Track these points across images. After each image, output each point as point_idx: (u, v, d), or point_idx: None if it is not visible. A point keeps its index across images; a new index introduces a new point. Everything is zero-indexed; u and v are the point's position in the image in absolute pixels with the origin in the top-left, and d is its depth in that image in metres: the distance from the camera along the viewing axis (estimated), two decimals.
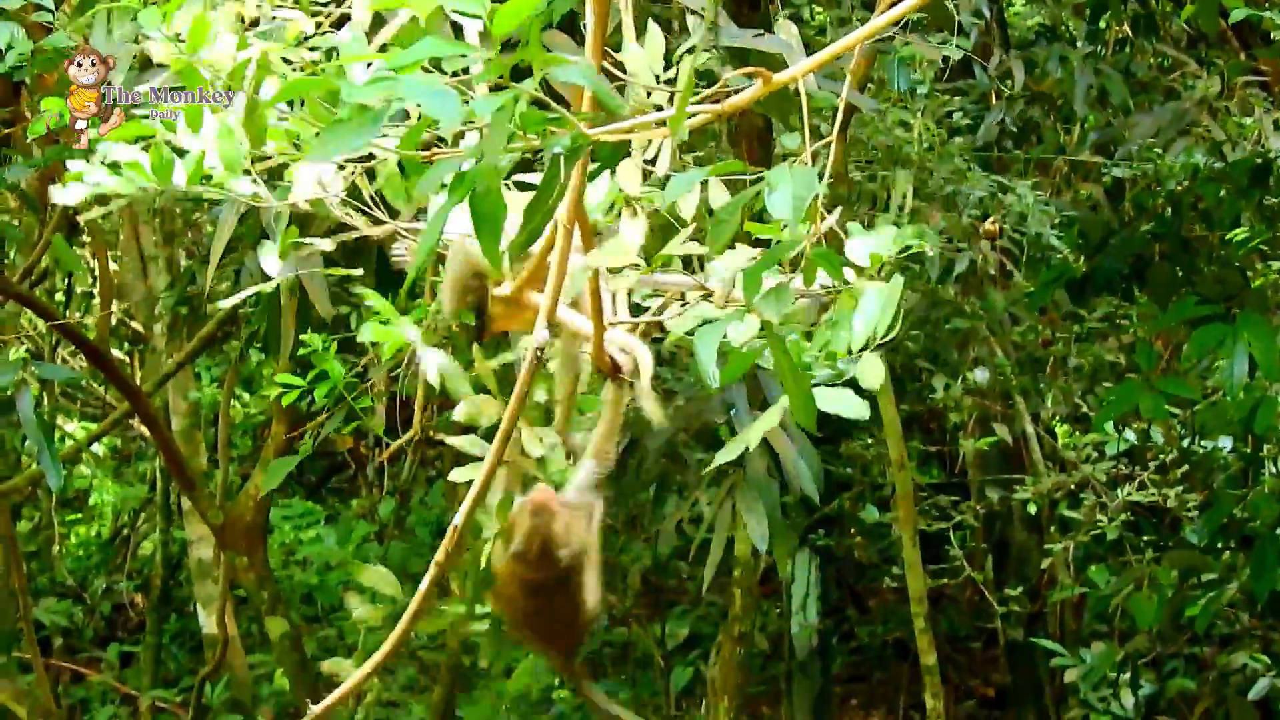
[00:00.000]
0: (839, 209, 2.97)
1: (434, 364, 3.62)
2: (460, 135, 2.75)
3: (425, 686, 10.68)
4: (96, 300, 10.10)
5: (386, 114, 2.26)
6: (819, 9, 8.05)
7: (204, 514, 8.75)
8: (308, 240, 3.56)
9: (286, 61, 2.89)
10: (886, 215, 6.97)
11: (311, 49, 2.94)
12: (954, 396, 8.40)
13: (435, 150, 2.61)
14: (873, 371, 2.72)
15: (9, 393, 5.89)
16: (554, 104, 2.46)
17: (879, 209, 7.27)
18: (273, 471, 7.64)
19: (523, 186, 2.84)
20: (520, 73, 2.42)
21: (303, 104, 2.82)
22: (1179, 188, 7.70)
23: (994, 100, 8.32)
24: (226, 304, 3.63)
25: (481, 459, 3.44)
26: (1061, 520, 8.74)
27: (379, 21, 3.17)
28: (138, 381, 9.17)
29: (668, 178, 3.49)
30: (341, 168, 3.42)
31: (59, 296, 11.10)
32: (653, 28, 3.43)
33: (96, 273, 9.86)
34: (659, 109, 3.24)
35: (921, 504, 9.01)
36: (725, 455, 3.00)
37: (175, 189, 3.00)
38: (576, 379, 3.68)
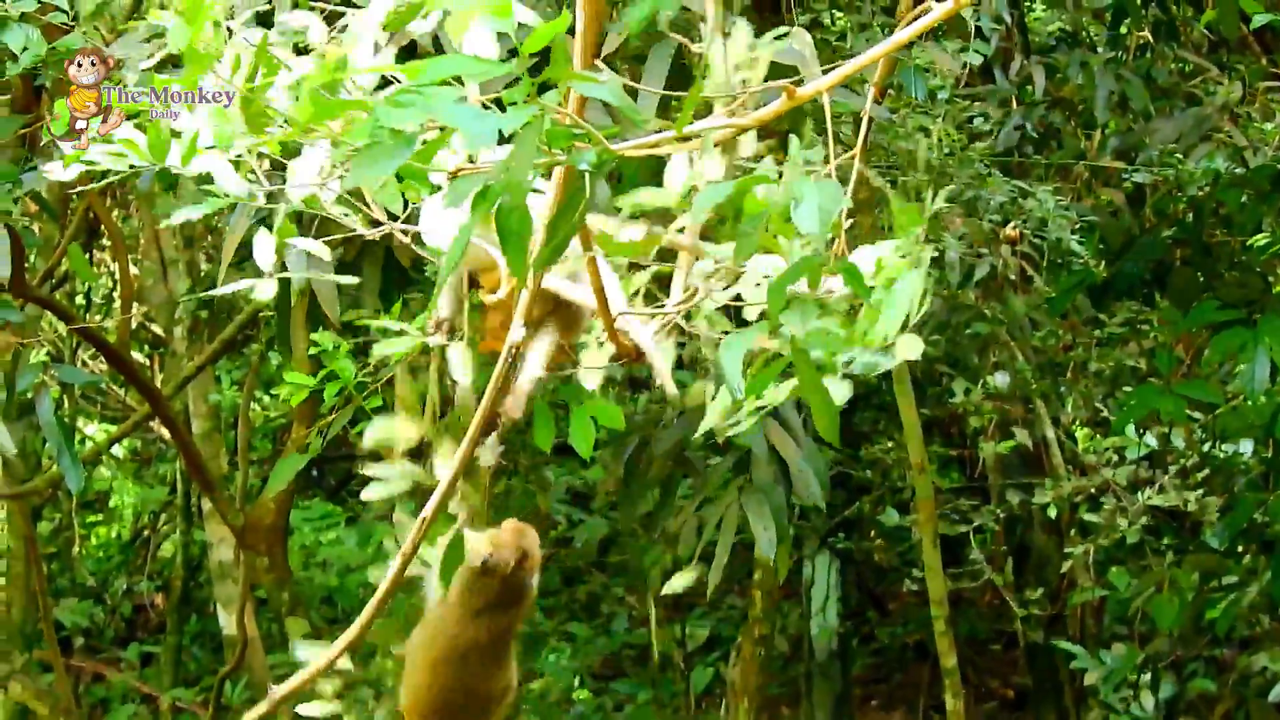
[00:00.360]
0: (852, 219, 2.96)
1: (459, 361, 3.58)
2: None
3: None
4: (117, 304, 10.12)
5: (420, 136, 2.26)
6: (839, 15, 8.03)
7: (224, 515, 8.78)
8: (303, 241, 3.46)
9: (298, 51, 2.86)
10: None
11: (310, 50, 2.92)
12: (974, 401, 8.40)
13: (461, 167, 2.61)
14: (912, 347, 2.68)
15: (29, 395, 5.90)
16: (580, 120, 2.46)
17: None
18: (279, 471, 7.64)
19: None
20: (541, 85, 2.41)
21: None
22: (1200, 193, 7.68)
23: (1015, 105, 8.30)
24: (217, 293, 3.58)
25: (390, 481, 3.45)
26: (1082, 524, 8.72)
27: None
28: (158, 384, 9.19)
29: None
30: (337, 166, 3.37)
31: (79, 300, 11.14)
32: (741, 22, 3.32)
33: (117, 276, 9.87)
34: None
35: (942, 507, 8.99)
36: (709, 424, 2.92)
37: (170, 168, 2.93)
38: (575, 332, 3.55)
